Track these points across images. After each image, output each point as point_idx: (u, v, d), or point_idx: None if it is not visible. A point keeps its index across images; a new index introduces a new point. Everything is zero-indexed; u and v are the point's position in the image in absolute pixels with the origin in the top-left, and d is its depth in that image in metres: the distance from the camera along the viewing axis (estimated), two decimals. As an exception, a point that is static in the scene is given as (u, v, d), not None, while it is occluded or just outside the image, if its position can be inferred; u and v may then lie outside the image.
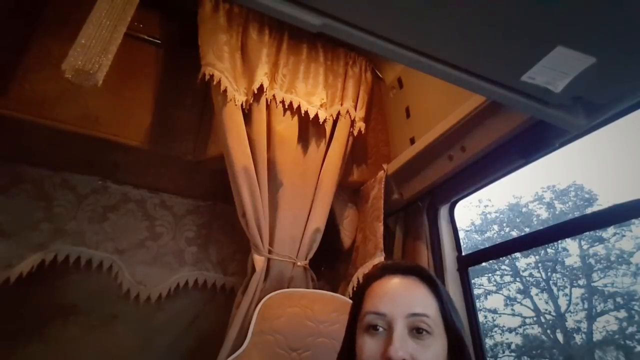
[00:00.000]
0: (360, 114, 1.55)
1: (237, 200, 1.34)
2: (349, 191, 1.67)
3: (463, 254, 1.41)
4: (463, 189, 1.33)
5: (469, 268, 1.40)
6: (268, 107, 1.42)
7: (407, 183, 1.45)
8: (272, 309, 1.13)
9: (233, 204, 1.36)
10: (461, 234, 1.37)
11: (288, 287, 1.29)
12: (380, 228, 1.41)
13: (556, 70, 0.71)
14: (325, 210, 1.44)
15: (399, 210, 1.52)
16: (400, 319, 0.61)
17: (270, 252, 1.33)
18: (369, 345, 0.63)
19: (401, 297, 0.64)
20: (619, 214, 0.94)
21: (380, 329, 0.62)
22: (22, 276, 1.45)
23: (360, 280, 0.73)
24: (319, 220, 1.41)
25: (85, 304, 1.66)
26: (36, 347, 1.54)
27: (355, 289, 0.72)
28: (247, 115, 1.38)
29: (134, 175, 1.66)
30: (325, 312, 1.13)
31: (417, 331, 0.61)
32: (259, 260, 1.31)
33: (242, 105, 1.35)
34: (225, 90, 1.31)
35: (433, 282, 0.66)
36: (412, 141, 1.48)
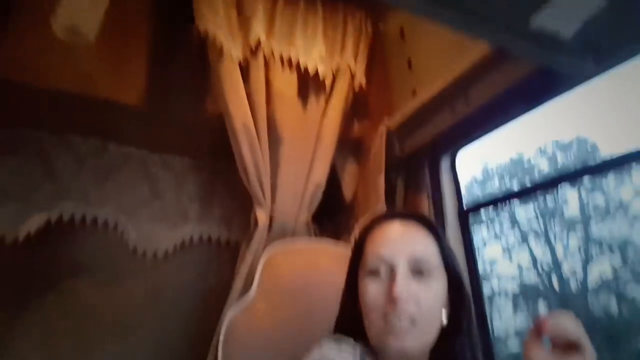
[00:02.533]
0: (360, 67, 1.51)
1: (237, 158, 1.34)
2: (349, 146, 1.66)
3: (464, 205, 1.43)
4: (466, 139, 1.32)
5: (470, 219, 1.42)
6: (266, 63, 1.38)
7: (409, 136, 1.44)
8: (276, 260, 1.16)
9: (234, 162, 1.36)
10: (462, 190, 1.39)
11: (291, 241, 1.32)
12: (381, 182, 1.41)
13: (566, 13, 0.68)
14: (326, 166, 1.44)
15: (400, 163, 1.52)
16: (402, 261, 0.63)
17: (272, 207, 1.35)
18: (372, 289, 0.64)
19: (402, 240, 0.65)
20: (618, 163, 0.94)
21: (383, 273, 0.64)
22: (30, 235, 1.48)
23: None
24: (320, 175, 1.41)
25: (93, 262, 1.70)
26: (51, 300, 1.60)
27: (355, 237, 0.73)
28: (245, 72, 1.34)
29: (132, 135, 1.65)
30: (329, 262, 1.16)
31: (419, 272, 0.63)
32: (261, 216, 1.33)
33: (239, 61, 1.31)
34: (221, 46, 1.27)
35: (431, 225, 0.68)
36: (414, 93, 1.45)
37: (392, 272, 0.63)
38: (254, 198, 1.34)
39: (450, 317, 0.65)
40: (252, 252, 1.28)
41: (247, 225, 1.42)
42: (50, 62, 1.26)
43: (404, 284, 0.61)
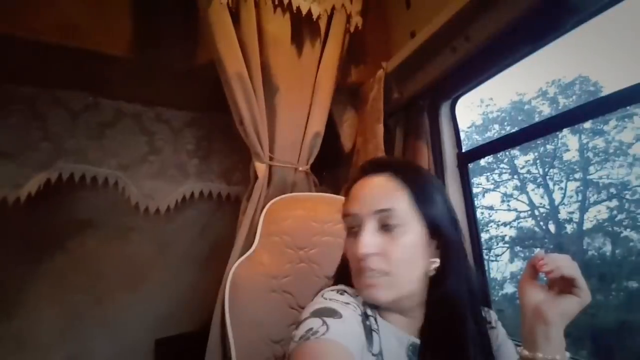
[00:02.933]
0: (356, 7, 1.43)
1: (233, 108, 1.30)
2: (347, 93, 1.62)
3: (463, 151, 1.42)
4: (466, 83, 1.28)
5: (469, 166, 1.41)
6: (257, 4, 1.31)
7: (408, 81, 1.40)
8: (277, 212, 1.17)
9: (231, 113, 1.33)
10: (461, 136, 1.37)
11: (291, 192, 1.32)
12: (380, 129, 1.39)
13: None
14: (324, 114, 1.41)
15: (399, 110, 1.49)
16: (368, 217, 0.64)
17: (271, 158, 1.33)
18: (349, 244, 0.67)
19: (369, 196, 0.65)
20: (619, 100, 0.92)
21: (356, 229, 0.65)
22: (31, 195, 1.49)
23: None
24: (318, 124, 1.39)
25: (98, 218, 1.73)
26: (60, 258, 1.64)
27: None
28: (235, 15, 1.27)
29: (123, 88, 1.60)
30: (329, 212, 1.16)
31: (386, 226, 0.63)
32: (260, 168, 1.32)
33: (228, 3, 1.24)
34: (208, -13, 1.20)
35: (405, 174, 0.66)
36: (413, 35, 1.39)
37: (361, 229, 0.64)
38: (252, 150, 1.32)
39: (440, 265, 0.65)
40: (253, 205, 1.29)
41: (246, 178, 1.42)
42: (32, 10, 1.19)
43: (370, 241, 0.62)
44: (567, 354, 0.54)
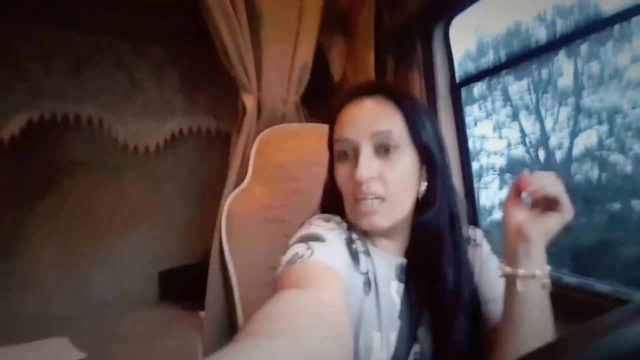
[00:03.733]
0: None
1: (216, 39, 1.24)
2: (336, 21, 1.53)
3: (456, 77, 1.38)
4: (459, 2, 1.21)
5: (462, 95, 1.38)
6: None
7: (399, 4, 1.32)
8: (268, 145, 1.16)
9: (215, 48, 1.27)
10: (455, 66, 1.32)
11: (281, 124, 1.30)
12: (371, 57, 1.34)
13: None
14: (311, 42, 1.35)
15: (390, 36, 1.42)
16: (365, 140, 0.62)
17: (259, 90, 1.30)
18: (341, 171, 0.65)
19: (364, 119, 0.63)
20: (616, 19, 0.88)
21: (350, 155, 0.64)
22: (15, 137, 1.46)
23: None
24: (306, 53, 1.34)
25: (88, 159, 1.72)
26: (53, 198, 1.66)
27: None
28: None
29: (95, 18, 1.50)
30: (320, 143, 1.14)
31: (383, 149, 0.62)
32: (249, 100, 1.29)
33: None
34: None
35: (397, 97, 0.64)
36: (405, -50, 1.29)
37: (356, 154, 0.62)
38: (239, 83, 1.28)
39: (427, 189, 0.65)
40: (244, 139, 1.27)
41: (235, 113, 1.39)
42: None
43: (368, 165, 0.60)
44: (548, 267, 0.56)
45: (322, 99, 1.67)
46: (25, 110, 1.48)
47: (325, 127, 1.08)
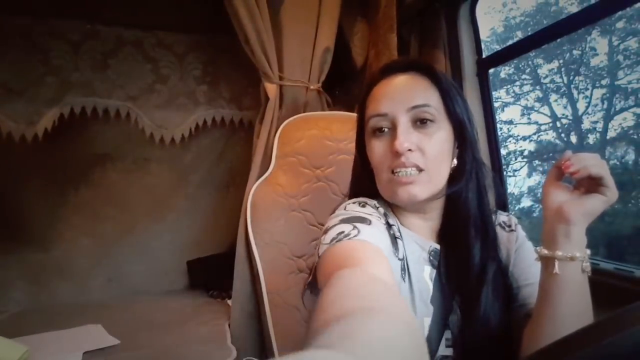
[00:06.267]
0: None
1: (237, 27, 1.23)
2: (357, 4, 1.50)
3: (483, 57, 1.33)
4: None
5: (489, 75, 1.33)
6: None
7: (423, -19, 1.27)
8: (291, 133, 1.16)
9: (236, 35, 1.26)
10: (481, 46, 1.26)
11: (304, 112, 1.29)
12: (393, 40, 1.30)
13: None
14: (333, 27, 1.32)
15: (414, 16, 1.37)
16: (402, 114, 0.62)
17: (281, 78, 1.29)
18: (377, 146, 0.64)
19: (400, 93, 0.63)
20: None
21: (385, 130, 0.64)
22: (47, 132, 1.50)
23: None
24: (327, 38, 1.31)
25: (116, 151, 1.76)
26: (85, 192, 1.71)
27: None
28: None
29: (120, 12, 1.52)
30: (343, 130, 1.14)
31: (420, 122, 0.62)
32: (271, 88, 1.28)
33: None
34: None
35: (432, 72, 0.65)
36: None
37: (393, 127, 0.62)
38: (261, 70, 1.27)
39: (458, 164, 0.66)
40: (267, 128, 1.27)
41: (258, 102, 1.39)
42: None
43: (405, 137, 0.61)
44: (588, 251, 0.54)
45: (344, 86, 1.65)
46: (56, 105, 1.52)
47: (348, 115, 1.06)
